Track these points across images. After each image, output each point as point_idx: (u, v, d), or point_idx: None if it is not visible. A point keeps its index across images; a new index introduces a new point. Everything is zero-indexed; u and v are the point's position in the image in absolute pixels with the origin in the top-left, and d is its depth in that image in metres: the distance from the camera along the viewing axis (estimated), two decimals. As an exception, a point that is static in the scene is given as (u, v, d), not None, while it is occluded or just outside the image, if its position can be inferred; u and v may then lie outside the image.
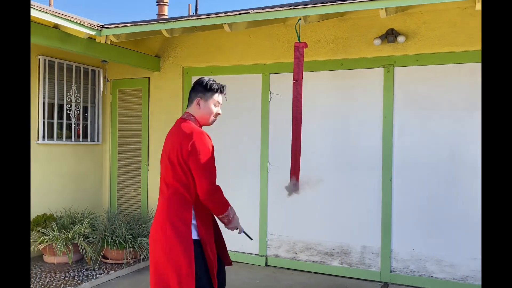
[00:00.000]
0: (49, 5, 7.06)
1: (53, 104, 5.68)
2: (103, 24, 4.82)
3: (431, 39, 4.52)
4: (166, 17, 6.37)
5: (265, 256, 5.34)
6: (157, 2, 6.84)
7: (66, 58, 5.78)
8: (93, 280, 4.59)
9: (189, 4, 8.65)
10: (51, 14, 4.21)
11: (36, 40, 4.35)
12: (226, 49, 5.56)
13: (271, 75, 5.35)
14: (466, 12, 4.34)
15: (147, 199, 6.15)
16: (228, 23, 3.97)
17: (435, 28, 4.49)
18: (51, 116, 5.65)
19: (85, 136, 6.17)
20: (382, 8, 3.64)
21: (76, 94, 5.99)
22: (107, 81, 6.17)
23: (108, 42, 4.61)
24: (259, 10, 3.73)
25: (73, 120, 5.96)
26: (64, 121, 5.85)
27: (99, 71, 6.30)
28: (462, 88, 4.47)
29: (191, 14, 8.39)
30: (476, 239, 4.33)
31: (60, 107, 5.79)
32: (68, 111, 5.90)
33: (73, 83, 5.95)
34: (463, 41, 4.40)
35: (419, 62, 4.61)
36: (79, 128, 6.08)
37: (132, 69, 6.14)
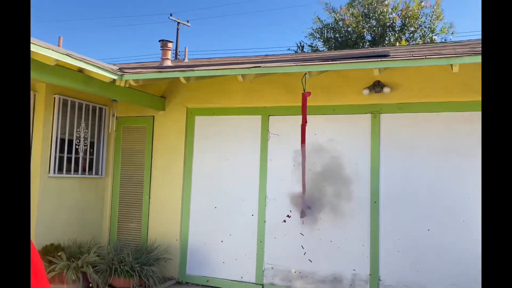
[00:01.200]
0: (58, 44, 7.52)
1: (64, 140, 6.05)
2: (119, 67, 5.32)
3: (412, 91, 5.22)
4: (169, 60, 6.92)
5: (262, 284, 5.73)
6: (161, 47, 7.38)
7: (78, 96, 6.20)
8: (104, 306, 4.87)
9: (185, 47, 9.14)
10: (79, 59, 4.69)
11: (62, 82, 4.81)
12: (229, 92, 6.12)
13: (270, 117, 5.92)
14: (444, 69, 5.07)
15: (147, 230, 6.47)
16: (242, 74, 4.54)
17: (416, 82, 5.21)
18: (61, 150, 6.01)
19: (90, 170, 6.52)
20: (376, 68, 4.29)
21: (84, 130, 6.39)
22: (115, 119, 6.59)
23: (127, 85, 5.10)
24: (271, 65, 4.33)
25: (80, 154, 6.33)
26: (73, 156, 6.21)
27: (105, 109, 6.73)
28: (439, 134, 5.15)
29: (187, 55, 8.98)
30: (453, 265, 4.89)
31: (70, 142, 6.16)
32: (76, 146, 6.27)
33: (83, 119, 6.35)
34: (441, 93, 5.12)
35: (402, 110, 5.29)
36: (85, 162, 6.43)
37: (138, 108, 6.59)
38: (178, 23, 26.80)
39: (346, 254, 5.37)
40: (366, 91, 5.28)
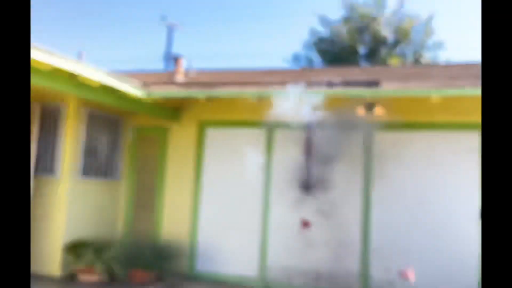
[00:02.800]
0: (80, 58, 8.23)
1: (89, 147, 6.76)
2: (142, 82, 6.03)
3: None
4: (181, 74, 7.66)
5: (264, 279, 6.47)
6: (174, 62, 8.18)
7: (100, 108, 6.89)
8: (128, 294, 5.59)
9: (192, 60, 9.81)
10: (121, 81, 5.41)
11: (97, 98, 5.54)
12: (238, 106, 6.84)
13: (273, 129, 6.69)
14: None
15: (160, 230, 7.17)
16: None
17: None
18: (87, 156, 6.72)
19: (108, 174, 7.22)
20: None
21: (106, 139, 7.10)
22: (132, 129, 7.28)
23: (153, 102, 5.83)
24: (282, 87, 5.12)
25: (102, 160, 7.04)
26: (96, 161, 6.92)
27: (122, 120, 7.42)
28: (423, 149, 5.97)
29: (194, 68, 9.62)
30: (433, 264, 5.69)
31: (94, 149, 6.87)
32: (99, 153, 6.98)
33: (104, 128, 7.06)
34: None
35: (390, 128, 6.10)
36: (105, 167, 7.14)
37: (153, 119, 7.29)
38: (170, 26, 27.19)
39: (340, 253, 6.15)
40: (361, 111, 6.06)
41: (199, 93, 5.57)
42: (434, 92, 4.82)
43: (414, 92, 4.88)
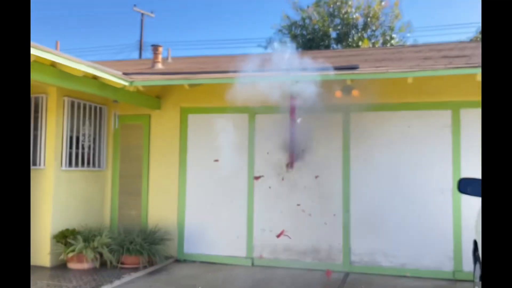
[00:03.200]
0: (56, 48, 8.13)
1: (72, 137, 6.77)
2: (122, 72, 6.09)
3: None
4: (160, 63, 7.72)
5: (252, 258, 6.72)
6: (152, 51, 8.19)
7: (82, 97, 6.90)
8: (121, 278, 5.74)
9: (169, 49, 9.86)
10: (103, 71, 5.46)
11: (80, 88, 5.56)
12: (219, 92, 6.98)
13: (256, 115, 6.87)
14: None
15: (147, 216, 7.30)
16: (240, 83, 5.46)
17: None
18: (70, 146, 6.73)
19: (93, 163, 7.26)
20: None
21: (89, 128, 7.12)
22: (117, 118, 7.34)
23: (135, 90, 5.90)
24: (265, 73, 5.28)
25: (86, 150, 7.07)
26: (80, 151, 6.95)
27: (104, 108, 7.45)
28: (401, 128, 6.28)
29: (170, 56, 9.71)
30: (409, 235, 6.06)
31: (77, 138, 6.89)
32: (82, 143, 7.00)
33: (87, 118, 7.08)
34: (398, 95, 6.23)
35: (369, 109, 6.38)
36: (89, 157, 7.17)
37: (134, 107, 7.34)
38: (142, 14, 26.91)
39: (323, 228, 6.44)
40: (339, 94, 6.30)
41: (181, 81, 5.67)
42: (411, 74, 5.11)
43: (393, 74, 5.15)
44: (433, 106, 6.21)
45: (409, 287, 5.68)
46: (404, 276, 6.04)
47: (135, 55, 26.50)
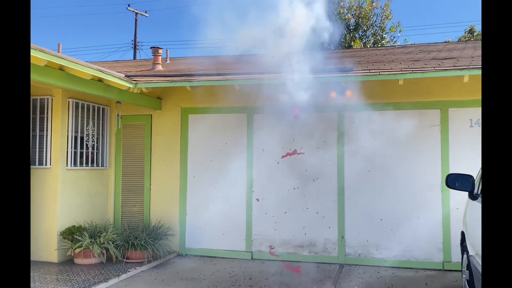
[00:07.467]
0: (58, 51, 8.34)
1: (76, 137, 7.00)
2: (125, 74, 6.33)
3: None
4: (160, 64, 7.97)
5: (251, 251, 7.01)
6: (152, 53, 8.42)
7: (86, 99, 7.13)
8: (127, 272, 5.99)
9: (167, 50, 10.09)
10: (110, 75, 5.71)
11: (87, 90, 5.80)
12: (218, 94, 7.25)
13: (254, 115, 7.15)
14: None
15: (149, 212, 7.57)
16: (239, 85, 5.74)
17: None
18: (75, 146, 6.96)
19: (96, 162, 7.49)
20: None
21: (92, 128, 7.35)
22: (120, 118, 7.57)
23: (139, 91, 6.14)
24: (263, 76, 5.56)
25: (90, 149, 7.30)
26: (84, 150, 7.18)
27: (107, 109, 7.69)
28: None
29: (168, 57, 9.93)
30: (401, 228, 6.39)
31: (81, 138, 7.12)
32: (86, 142, 7.24)
33: (90, 119, 7.31)
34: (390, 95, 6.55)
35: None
36: (93, 156, 7.41)
37: (136, 107, 7.59)
38: (136, 13, 27.03)
39: (319, 222, 6.75)
40: (334, 94, 6.61)
41: (184, 83, 5.94)
42: (400, 76, 5.43)
43: (384, 76, 5.46)
44: (423, 105, 6.54)
45: (401, 277, 6.01)
46: (396, 267, 6.37)
47: (130, 54, 26.61)
